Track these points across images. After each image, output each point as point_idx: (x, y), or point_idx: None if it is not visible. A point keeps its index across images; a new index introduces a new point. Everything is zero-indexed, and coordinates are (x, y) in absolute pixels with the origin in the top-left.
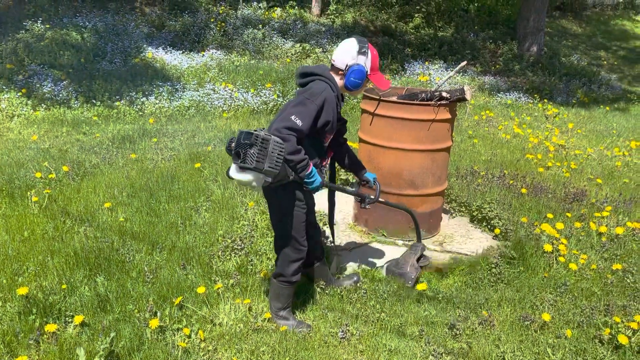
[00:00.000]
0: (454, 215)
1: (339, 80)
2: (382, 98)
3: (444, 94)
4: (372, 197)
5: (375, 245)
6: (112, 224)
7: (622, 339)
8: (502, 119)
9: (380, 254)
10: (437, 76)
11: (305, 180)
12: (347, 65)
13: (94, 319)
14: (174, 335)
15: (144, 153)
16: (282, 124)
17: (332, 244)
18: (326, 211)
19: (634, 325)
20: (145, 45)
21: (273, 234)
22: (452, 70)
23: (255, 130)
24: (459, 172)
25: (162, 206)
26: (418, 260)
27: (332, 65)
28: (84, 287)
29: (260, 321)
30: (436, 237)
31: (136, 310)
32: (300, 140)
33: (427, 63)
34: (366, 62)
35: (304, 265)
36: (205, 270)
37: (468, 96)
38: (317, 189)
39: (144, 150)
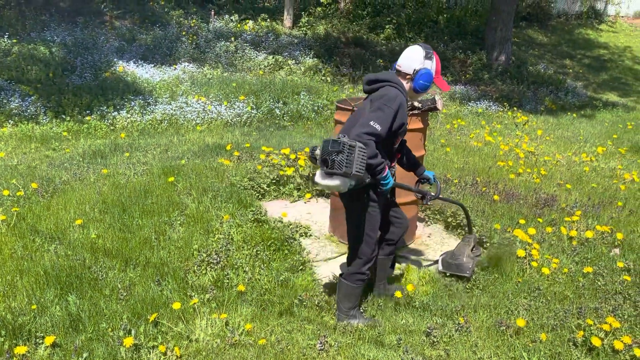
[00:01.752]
0: (429, 223)
1: (405, 85)
2: (355, 109)
3: (416, 104)
4: (433, 194)
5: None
6: (83, 241)
7: (596, 341)
8: (473, 127)
9: None
10: None
11: (382, 182)
12: (414, 70)
13: (65, 339)
14: (150, 353)
15: (116, 168)
16: (363, 130)
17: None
18: (308, 222)
19: (606, 327)
20: (115, 59)
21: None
22: None
23: (340, 137)
24: None
25: (135, 221)
26: (471, 251)
27: (398, 70)
28: (55, 307)
29: (238, 335)
30: (412, 245)
31: (110, 329)
32: (377, 144)
33: None
34: (432, 66)
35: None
36: (181, 286)
37: (439, 106)
38: (389, 190)
39: (116, 165)
